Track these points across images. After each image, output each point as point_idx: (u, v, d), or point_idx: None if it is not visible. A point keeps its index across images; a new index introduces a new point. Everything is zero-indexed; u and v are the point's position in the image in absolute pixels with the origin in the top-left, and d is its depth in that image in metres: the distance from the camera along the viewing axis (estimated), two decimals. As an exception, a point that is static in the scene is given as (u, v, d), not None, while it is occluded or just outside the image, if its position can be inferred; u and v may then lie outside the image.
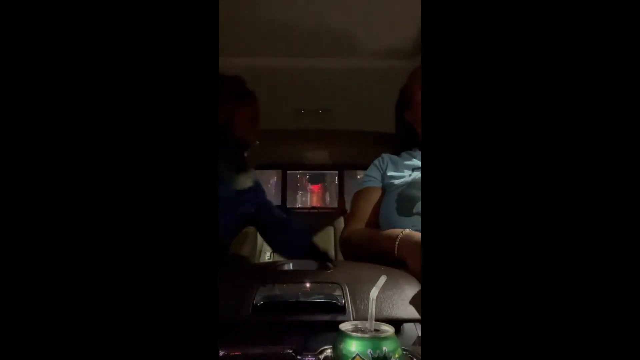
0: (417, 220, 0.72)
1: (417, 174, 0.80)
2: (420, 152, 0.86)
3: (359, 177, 0.95)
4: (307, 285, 0.49)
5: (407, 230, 0.65)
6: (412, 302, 0.47)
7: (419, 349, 0.39)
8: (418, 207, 0.73)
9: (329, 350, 0.39)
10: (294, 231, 1.04)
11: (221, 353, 0.40)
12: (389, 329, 0.35)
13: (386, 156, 0.89)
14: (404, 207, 0.75)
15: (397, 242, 0.63)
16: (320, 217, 2.10)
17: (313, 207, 2.62)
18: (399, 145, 0.93)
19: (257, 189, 1.02)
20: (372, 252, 0.68)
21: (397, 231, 0.66)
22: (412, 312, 0.46)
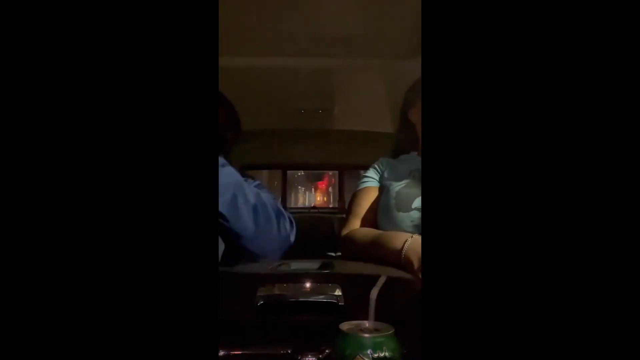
0: (415, 215, 0.73)
1: (415, 174, 0.81)
2: (418, 156, 0.87)
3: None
4: (307, 285, 0.49)
5: (415, 235, 0.64)
6: (412, 302, 0.47)
7: (419, 349, 0.39)
8: (416, 202, 0.74)
9: (329, 350, 0.39)
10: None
11: (221, 353, 0.40)
12: (389, 329, 0.35)
13: (385, 160, 0.90)
14: (402, 203, 0.76)
15: (404, 247, 0.62)
16: (320, 217, 2.10)
17: (313, 207, 2.62)
18: (397, 148, 0.94)
19: None
20: (375, 253, 0.68)
21: (404, 235, 0.65)
22: (412, 312, 0.46)
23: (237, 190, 0.66)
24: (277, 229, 0.72)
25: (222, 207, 0.64)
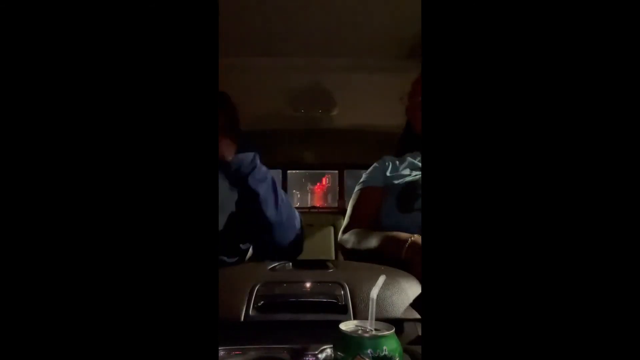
0: (419, 216, 0.72)
1: (419, 174, 0.80)
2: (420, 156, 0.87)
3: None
4: (307, 285, 0.49)
5: (416, 236, 0.65)
6: (412, 302, 0.47)
7: (419, 349, 0.39)
8: (419, 203, 0.73)
9: (329, 350, 0.39)
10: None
11: (221, 353, 0.40)
12: (389, 329, 0.35)
13: (387, 158, 0.89)
14: (406, 204, 0.75)
15: (406, 246, 0.62)
16: (320, 217, 2.10)
17: (313, 207, 2.62)
18: (401, 147, 0.93)
19: None
20: (376, 253, 0.68)
21: (405, 235, 0.66)
22: (412, 312, 0.46)
23: (274, 181, 0.76)
24: (295, 223, 0.79)
25: (262, 190, 0.72)
